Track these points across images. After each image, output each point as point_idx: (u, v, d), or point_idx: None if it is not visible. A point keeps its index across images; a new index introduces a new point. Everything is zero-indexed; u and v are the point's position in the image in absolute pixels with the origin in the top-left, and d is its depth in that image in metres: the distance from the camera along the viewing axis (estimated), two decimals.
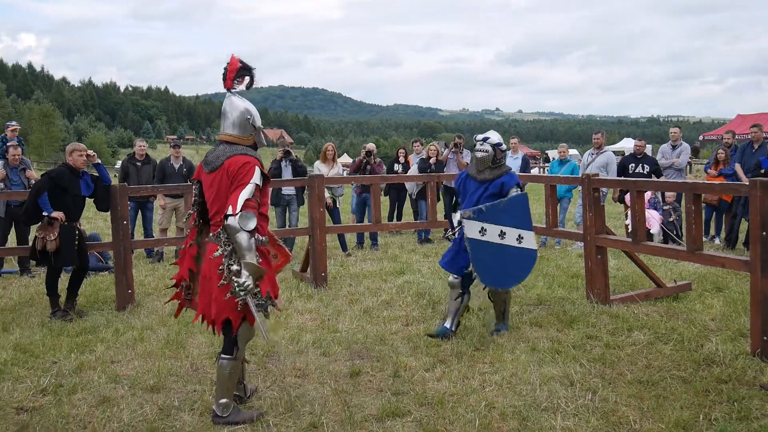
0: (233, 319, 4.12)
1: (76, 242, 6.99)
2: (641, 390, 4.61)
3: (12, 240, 9.83)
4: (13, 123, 10.51)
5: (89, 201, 7.39)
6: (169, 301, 4.68)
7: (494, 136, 6.09)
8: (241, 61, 4.27)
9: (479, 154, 6.03)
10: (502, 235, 5.82)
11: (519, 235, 5.88)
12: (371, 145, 12.08)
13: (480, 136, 6.11)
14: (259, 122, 4.38)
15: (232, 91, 4.31)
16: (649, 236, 10.61)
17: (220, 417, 4.22)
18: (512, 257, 5.87)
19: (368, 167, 11.57)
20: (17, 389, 4.84)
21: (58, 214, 6.78)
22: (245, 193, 3.98)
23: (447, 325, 6.07)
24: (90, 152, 7.19)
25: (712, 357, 5.21)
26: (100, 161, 7.46)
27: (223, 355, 4.26)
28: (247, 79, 4.30)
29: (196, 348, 5.80)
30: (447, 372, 5.07)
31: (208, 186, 4.23)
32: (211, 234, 4.23)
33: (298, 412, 4.36)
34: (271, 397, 4.65)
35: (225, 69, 4.25)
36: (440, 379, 4.93)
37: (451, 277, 6.18)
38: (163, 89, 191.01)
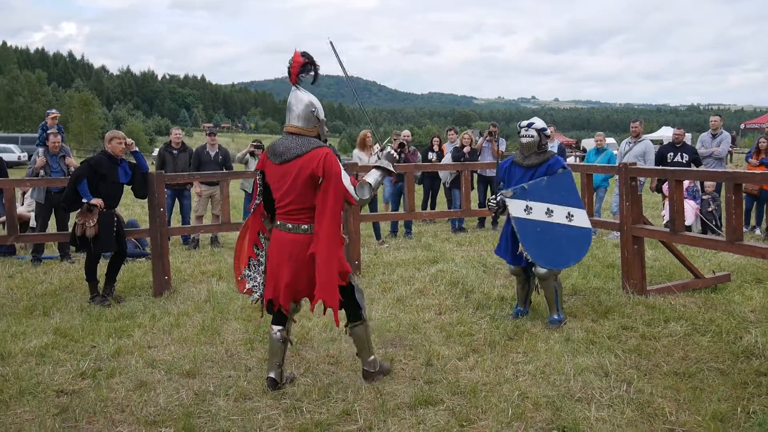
0: (344, 286, 4.45)
1: (115, 228, 7.11)
2: (677, 381, 4.55)
3: (52, 226, 10.03)
4: (53, 111, 10.68)
5: (127, 188, 7.50)
6: (245, 291, 4.70)
7: (539, 122, 6.07)
8: (305, 55, 4.43)
9: (524, 140, 6.02)
10: (549, 213, 5.81)
11: (569, 213, 5.85)
12: (406, 132, 12.02)
13: (524, 122, 6.11)
14: (322, 114, 4.57)
15: (297, 85, 4.50)
16: (686, 228, 10.46)
17: (373, 373, 4.69)
18: (564, 236, 5.84)
19: (402, 155, 11.53)
20: (57, 372, 4.95)
21: (97, 201, 6.89)
22: (345, 179, 4.35)
23: (520, 307, 6.28)
24: (128, 140, 7.29)
25: (751, 349, 5.12)
26: (137, 149, 7.56)
27: (353, 324, 4.66)
28: (311, 72, 4.49)
29: (231, 334, 5.87)
30: (480, 361, 5.05)
31: (278, 177, 4.40)
32: (278, 222, 4.45)
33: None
34: (305, 383, 4.69)
35: (289, 64, 4.42)
36: (473, 369, 4.92)
37: (510, 265, 6.25)
38: (200, 78, 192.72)
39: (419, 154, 12.26)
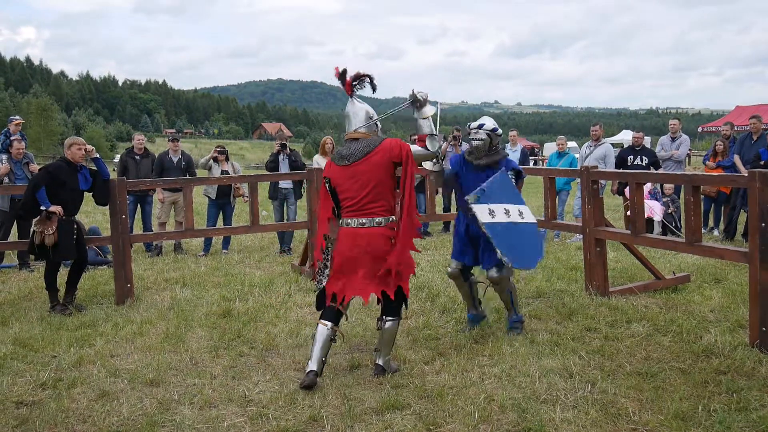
0: (405, 284, 4.86)
1: (75, 236, 6.98)
2: (640, 381, 4.62)
3: (14, 235, 9.82)
4: (17, 117, 10.47)
5: (88, 195, 7.38)
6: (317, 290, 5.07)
7: (489, 122, 5.91)
8: (344, 73, 4.98)
9: (475, 142, 5.87)
10: (507, 213, 5.73)
11: (519, 211, 5.81)
12: None
13: (474, 124, 5.96)
14: (379, 122, 5.06)
15: (353, 96, 5.01)
16: (652, 225, 10.63)
17: (385, 371, 4.83)
18: (525, 233, 5.77)
19: None
20: (17, 383, 4.84)
21: (56, 208, 6.76)
22: (416, 149, 5.08)
23: (473, 311, 6.14)
24: (88, 147, 7.17)
25: (711, 348, 5.22)
26: (98, 155, 7.45)
27: (388, 318, 4.91)
28: (367, 84, 5.02)
29: (196, 342, 5.80)
30: (446, 365, 5.07)
31: (348, 178, 4.80)
32: (348, 220, 4.83)
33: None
34: (271, 390, 4.65)
35: (342, 78, 4.97)
36: (439, 372, 4.93)
37: (449, 268, 6.10)
38: (161, 83, 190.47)
39: None
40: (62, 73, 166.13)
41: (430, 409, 4.26)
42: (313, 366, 4.72)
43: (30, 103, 71.95)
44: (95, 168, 7.25)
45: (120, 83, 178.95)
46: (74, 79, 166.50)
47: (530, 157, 17.73)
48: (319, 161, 10.92)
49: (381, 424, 4.07)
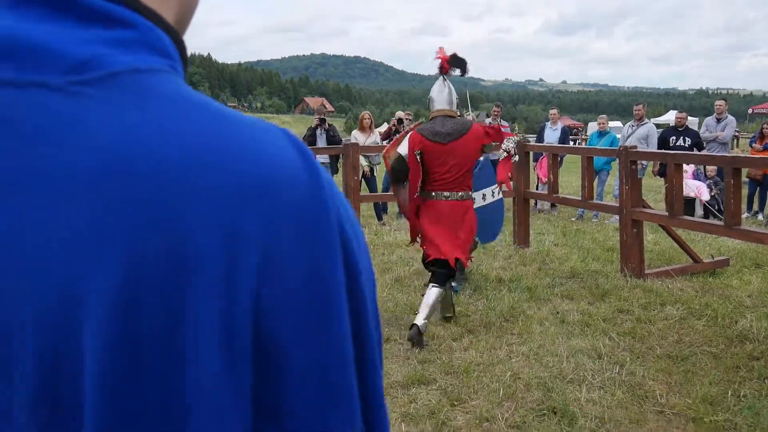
0: (465, 258, 5.37)
1: None
2: (670, 365, 4.57)
3: None
4: None
5: None
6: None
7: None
8: (451, 55, 5.42)
9: None
10: (483, 197, 6.75)
11: (492, 192, 6.81)
12: (400, 113, 12.04)
13: None
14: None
15: (446, 76, 5.41)
16: (692, 207, 10.44)
17: (421, 333, 5.02)
18: (488, 212, 6.75)
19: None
20: None
21: None
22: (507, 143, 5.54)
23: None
24: None
25: (746, 333, 5.13)
26: None
27: (434, 285, 5.24)
28: (458, 69, 5.43)
29: None
30: (474, 342, 5.09)
31: (441, 154, 5.16)
32: (433, 193, 5.26)
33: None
34: None
35: (440, 58, 5.41)
36: (467, 349, 4.95)
37: None
38: (206, 56, 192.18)
39: None
40: None
41: (456, 385, 4.29)
42: (418, 321, 5.04)
43: None
44: None
45: None
46: None
47: (571, 137, 17.51)
48: (357, 136, 10.94)
49: (406, 398, 4.11)
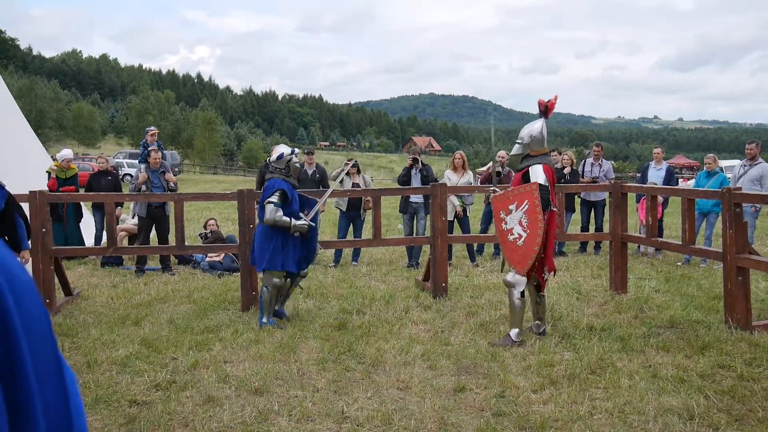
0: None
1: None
2: None
3: (154, 239, 10.45)
4: (152, 128, 11.17)
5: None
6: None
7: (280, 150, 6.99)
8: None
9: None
10: None
11: None
12: (502, 153, 11.79)
13: (274, 156, 6.95)
14: None
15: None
16: None
17: (513, 342, 6.02)
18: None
19: (499, 176, 11.28)
20: (135, 383, 5.09)
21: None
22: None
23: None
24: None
25: None
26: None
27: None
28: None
29: (306, 353, 5.86)
30: (555, 395, 4.79)
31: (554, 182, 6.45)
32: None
33: None
34: (369, 408, 4.59)
35: (546, 106, 6.36)
36: (546, 402, 4.67)
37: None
38: (317, 97, 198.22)
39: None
40: (228, 89, 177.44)
41: None
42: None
43: (197, 116, 77.01)
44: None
45: (279, 98, 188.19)
46: (239, 93, 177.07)
47: (677, 176, 16.68)
48: (449, 176, 10.82)
49: None
